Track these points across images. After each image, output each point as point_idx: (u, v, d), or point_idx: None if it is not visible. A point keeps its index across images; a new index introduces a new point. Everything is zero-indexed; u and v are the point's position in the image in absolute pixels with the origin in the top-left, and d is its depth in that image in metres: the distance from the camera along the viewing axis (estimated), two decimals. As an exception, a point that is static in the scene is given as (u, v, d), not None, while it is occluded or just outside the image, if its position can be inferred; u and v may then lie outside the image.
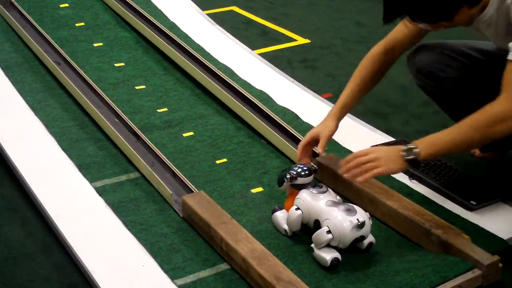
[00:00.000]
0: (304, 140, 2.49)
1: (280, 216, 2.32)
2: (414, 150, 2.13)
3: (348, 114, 3.12)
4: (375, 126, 3.06)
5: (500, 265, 2.14)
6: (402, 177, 2.65)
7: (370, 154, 2.19)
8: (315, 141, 2.47)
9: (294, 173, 2.27)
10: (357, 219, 2.09)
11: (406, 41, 2.51)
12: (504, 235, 2.34)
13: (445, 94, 2.60)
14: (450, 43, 2.64)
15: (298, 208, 2.23)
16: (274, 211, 2.35)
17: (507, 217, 2.46)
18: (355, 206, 2.15)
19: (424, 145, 2.14)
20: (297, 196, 2.26)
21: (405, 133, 3.09)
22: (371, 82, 2.56)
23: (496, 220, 2.43)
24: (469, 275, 2.10)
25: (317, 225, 2.17)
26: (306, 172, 2.28)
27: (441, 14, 2.13)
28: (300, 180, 2.27)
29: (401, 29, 2.49)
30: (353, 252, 2.20)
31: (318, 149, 2.46)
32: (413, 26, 2.39)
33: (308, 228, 2.24)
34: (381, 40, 2.54)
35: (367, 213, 2.16)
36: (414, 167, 2.18)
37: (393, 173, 2.28)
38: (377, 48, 2.54)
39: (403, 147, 2.16)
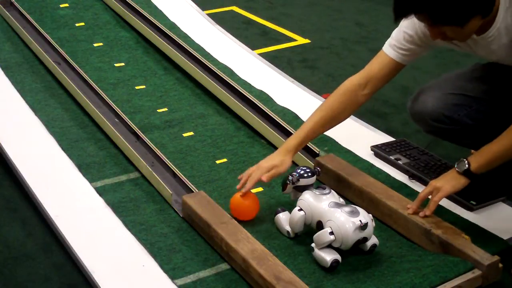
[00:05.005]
0: (262, 169, 2.36)
1: (283, 218, 2.31)
2: (464, 161, 2.22)
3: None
4: (375, 126, 3.06)
5: (500, 265, 2.14)
6: (402, 177, 2.65)
7: (428, 187, 2.29)
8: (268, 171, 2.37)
9: (296, 175, 2.28)
10: (360, 221, 2.08)
11: (380, 75, 2.41)
12: (504, 235, 2.34)
13: (465, 131, 2.55)
14: (447, 80, 2.58)
15: (300, 209, 2.23)
16: (277, 212, 2.34)
17: (507, 217, 2.46)
18: (358, 208, 2.14)
19: (474, 157, 2.23)
20: (300, 197, 2.25)
21: (405, 133, 3.09)
22: (339, 116, 2.44)
23: (496, 220, 2.43)
24: (469, 275, 2.10)
25: (320, 226, 2.17)
26: (309, 173, 2.28)
27: (456, 16, 2.04)
28: (302, 182, 2.27)
29: (378, 62, 2.42)
30: (353, 253, 2.20)
31: (264, 179, 2.33)
32: (389, 61, 2.38)
33: (310, 229, 2.24)
34: (356, 74, 2.45)
35: (370, 215, 2.15)
36: (472, 179, 2.23)
37: (456, 191, 2.28)
38: (351, 80, 2.45)
39: (455, 165, 2.25)
